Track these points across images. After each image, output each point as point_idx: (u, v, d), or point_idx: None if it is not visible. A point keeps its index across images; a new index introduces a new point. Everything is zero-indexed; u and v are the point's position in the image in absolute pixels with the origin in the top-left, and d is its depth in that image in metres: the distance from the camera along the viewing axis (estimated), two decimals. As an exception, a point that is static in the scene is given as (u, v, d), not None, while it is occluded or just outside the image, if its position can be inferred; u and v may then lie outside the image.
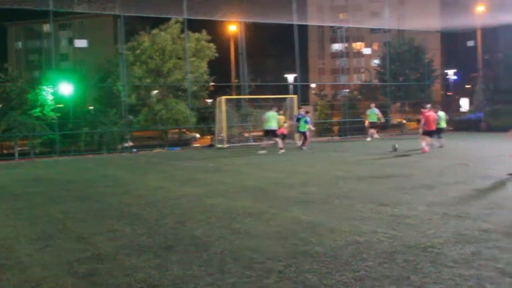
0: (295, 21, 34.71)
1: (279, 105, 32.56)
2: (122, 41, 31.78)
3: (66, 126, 35.69)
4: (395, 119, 45.52)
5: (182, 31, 38.47)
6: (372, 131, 32.25)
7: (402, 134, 39.04)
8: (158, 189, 13.57)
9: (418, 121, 23.01)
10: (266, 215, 9.46)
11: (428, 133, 22.43)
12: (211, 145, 33.37)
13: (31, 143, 37.18)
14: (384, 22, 41.21)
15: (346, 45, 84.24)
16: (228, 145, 30.87)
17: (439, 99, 53.59)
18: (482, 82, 41.62)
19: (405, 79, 46.72)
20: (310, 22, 44.37)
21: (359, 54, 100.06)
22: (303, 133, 26.83)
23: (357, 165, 18.20)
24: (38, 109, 42.95)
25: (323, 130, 39.45)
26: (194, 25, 39.08)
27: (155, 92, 43.77)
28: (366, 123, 32.86)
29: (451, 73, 46.35)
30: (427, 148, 21.74)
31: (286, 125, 30.31)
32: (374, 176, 14.63)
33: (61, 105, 38.81)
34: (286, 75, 41.30)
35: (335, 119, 44.18)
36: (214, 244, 7.49)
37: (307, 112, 29.49)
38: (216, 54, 43.24)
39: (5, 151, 42.53)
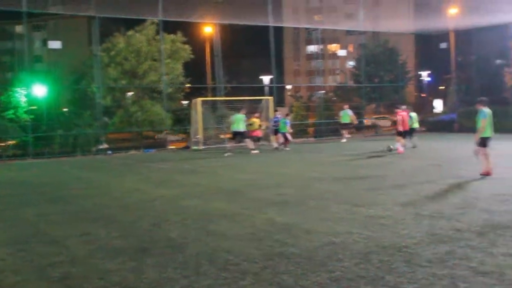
0: (271, 22, 34.76)
1: (251, 107, 32.65)
2: (96, 43, 31.51)
3: (40, 128, 35.26)
4: (368, 121, 45.79)
5: (158, 32, 38.30)
6: (344, 132, 32.42)
7: (376, 135, 39.29)
8: (133, 191, 13.49)
9: (394, 122, 23.18)
10: (242, 216, 9.47)
11: (402, 133, 22.61)
12: (186, 147, 33.24)
13: (4, 146, 36.65)
14: (359, 24, 41.45)
15: (321, 47, 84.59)
16: (204, 147, 30.78)
17: (413, 101, 54.05)
18: (455, 84, 42.09)
19: (380, 81, 47.05)
20: (285, 24, 44.62)
21: (334, 56, 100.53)
22: (284, 134, 26.89)
23: (332, 166, 18.29)
24: (11, 111, 42.36)
25: (298, 131, 39.51)
26: (169, 27, 38.93)
27: (130, 93, 43.50)
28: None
29: (424, 75, 46.85)
30: (401, 149, 21.92)
31: (263, 127, 30.48)
32: (348, 177, 14.72)
33: (35, 107, 38.36)
34: (261, 77, 41.35)
35: (310, 121, 44.30)
36: (190, 246, 7.47)
37: (287, 115, 29.65)
38: (192, 56, 43.15)
39: (-23, 154, 41.90)
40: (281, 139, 27.17)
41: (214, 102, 35.94)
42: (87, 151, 33.61)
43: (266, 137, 32.40)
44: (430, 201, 10.32)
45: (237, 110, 26.59)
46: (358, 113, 43.20)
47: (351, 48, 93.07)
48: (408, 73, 51.14)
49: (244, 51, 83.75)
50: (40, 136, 33.72)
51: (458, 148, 23.41)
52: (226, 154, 24.71)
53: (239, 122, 25.22)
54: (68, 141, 34.74)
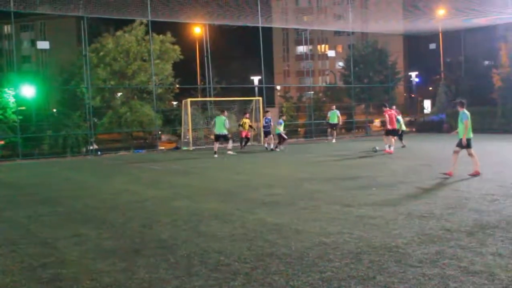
0: (260, 23, 34.78)
1: (241, 108, 32.71)
2: (85, 43, 31.37)
3: (29, 129, 35.10)
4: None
5: (147, 33, 38.23)
6: (333, 132, 32.48)
7: (366, 136, 39.42)
8: (124, 192, 13.45)
9: (383, 122, 23.30)
10: (232, 217, 9.47)
11: (390, 132, 22.66)
12: (176, 148, 33.22)
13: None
14: (348, 24, 41.59)
15: (310, 47, 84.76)
16: (194, 147, 30.78)
17: (403, 101, 54.31)
18: (444, 85, 42.29)
19: (369, 81, 47.19)
20: (274, 24, 44.46)
21: (323, 56, 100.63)
22: (279, 135, 26.87)
23: (322, 167, 18.33)
24: (-1, 112, 42.16)
25: (288, 132, 39.59)
26: (158, 27, 38.89)
27: (119, 94, 43.38)
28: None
29: (414, 76, 47.03)
30: (390, 149, 22.01)
31: (254, 127, 30.53)
32: (339, 178, 14.77)
33: (23, 108, 38.16)
34: (251, 77, 41.39)
35: (300, 121, 44.40)
36: (181, 247, 7.47)
37: (281, 116, 29.78)
38: (181, 56, 43.08)
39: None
40: (272, 140, 27.18)
41: (204, 102, 35.92)
42: (77, 152, 33.54)
43: (255, 138, 32.49)
44: (420, 201, 10.37)
45: (221, 111, 26.44)
46: (348, 114, 43.43)
47: (340, 49, 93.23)
48: (397, 74, 51.34)
49: (233, 52, 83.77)
50: (29, 137, 33.59)
51: (447, 149, 23.42)
52: (215, 156, 24.41)
53: (220, 125, 24.95)
54: (57, 142, 34.61)
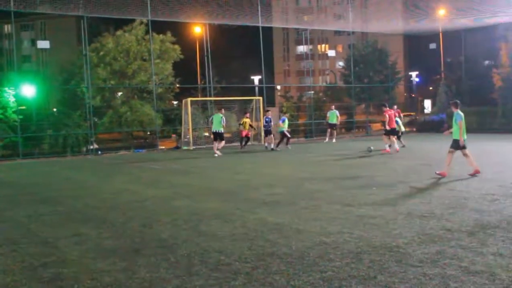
0: (260, 23, 34.79)
1: (241, 107, 32.71)
2: (85, 42, 31.39)
3: (29, 128, 35.12)
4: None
5: (147, 32, 38.25)
6: (333, 132, 32.40)
7: (367, 135, 39.41)
8: (124, 192, 13.45)
9: (383, 122, 23.31)
10: (233, 216, 9.47)
11: (390, 132, 22.68)
12: (177, 147, 33.22)
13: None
14: (348, 24, 41.60)
15: (310, 47, 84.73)
16: (194, 147, 30.78)
17: (403, 101, 54.30)
18: (444, 84, 42.31)
19: (370, 81, 47.23)
20: (274, 24, 44.48)
21: (324, 56, 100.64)
22: (283, 133, 26.87)
23: (322, 166, 18.33)
24: (-1, 111, 42.17)
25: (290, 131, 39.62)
26: (158, 27, 38.92)
27: (119, 94, 43.39)
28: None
29: (414, 75, 47.05)
30: (389, 149, 22.05)
31: (254, 127, 30.55)
32: (339, 177, 14.76)
33: (24, 107, 38.17)
34: (251, 77, 41.40)
35: (301, 121, 44.41)
36: (181, 246, 7.46)
37: (285, 113, 29.74)
38: (181, 56, 43.12)
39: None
40: (272, 140, 27.16)
41: (204, 102, 35.92)
42: (77, 151, 33.59)
43: (255, 138, 32.50)
44: (420, 201, 10.37)
45: (218, 109, 26.39)
46: (348, 113, 43.46)
47: (340, 49, 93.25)
48: (397, 74, 51.35)
49: (234, 51, 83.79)
50: (30, 137, 33.61)
51: (447, 148, 23.49)
52: (215, 155, 24.35)
53: (217, 122, 24.86)
54: (57, 141, 34.65)
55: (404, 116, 33.04)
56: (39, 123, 36.97)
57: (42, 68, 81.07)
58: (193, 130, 31.49)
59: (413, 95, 58.00)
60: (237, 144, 31.83)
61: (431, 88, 54.39)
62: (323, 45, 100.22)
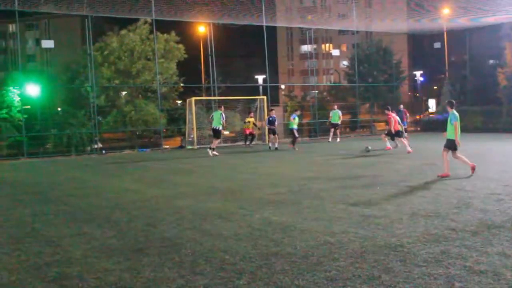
0: (264, 22, 34.77)
1: (245, 106, 32.71)
2: (90, 42, 31.42)
3: (34, 127, 35.15)
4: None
5: (151, 32, 38.28)
6: (336, 131, 32.31)
7: (371, 135, 39.36)
8: (128, 191, 13.46)
9: (386, 122, 23.26)
10: (237, 216, 9.46)
11: (396, 134, 22.69)
12: (181, 146, 33.24)
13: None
14: (353, 23, 41.53)
15: (315, 46, 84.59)
16: (198, 146, 30.79)
17: (407, 100, 54.17)
18: (449, 84, 42.22)
19: (374, 81, 47.17)
20: (279, 24, 44.43)
21: (328, 55, 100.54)
22: (291, 131, 26.82)
23: (327, 166, 18.31)
24: (4, 111, 42.15)
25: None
26: (162, 26, 38.92)
27: (124, 93, 43.43)
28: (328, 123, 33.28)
29: (418, 75, 46.94)
30: (390, 146, 22.09)
31: (258, 126, 30.57)
32: (343, 177, 14.75)
33: (28, 107, 38.20)
34: (256, 76, 41.37)
35: (304, 120, 44.36)
36: (185, 245, 7.46)
37: (296, 110, 29.73)
38: (185, 55, 43.12)
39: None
40: (276, 140, 27.17)
41: (209, 101, 35.95)
42: (82, 150, 33.58)
43: (259, 137, 32.49)
44: (425, 200, 10.35)
45: (218, 106, 26.31)
46: (353, 113, 43.40)
47: (344, 48, 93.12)
48: (402, 73, 51.26)
49: (238, 51, 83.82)
50: (34, 136, 33.64)
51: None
52: (213, 154, 24.10)
53: (217, 119, 24.68)
54: (62, 140, 34.65)
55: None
56: (43, 122, 36.98)
57: (46, 67, 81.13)
58: (197, 129, 31.48)
59: (417, 95, 57.85)
60: (241, 143, 31.84)
61: (435, 87, 54.29)
62: (327, 45, 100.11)
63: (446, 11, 37.81)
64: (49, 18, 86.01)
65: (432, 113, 48.22)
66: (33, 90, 36.77)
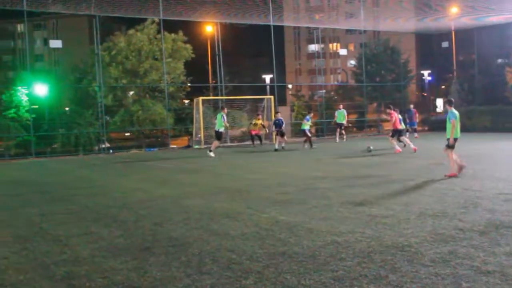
0: (272, 22, 34.76)
1: (253, 106, 32.75)
2: (97, 42, 31.51)
3: (42, 127, 35.31)
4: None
5: (159, 31, 38.35)
6: (342, 131, 32.22)
7: (379, 134, 39.28)
8: (135, 191, 13.49)
9: (387, 121, 23.13)
10: (244, 215, 9.47)
11: (397, 132, 22.62)
12: (188, 146, 33.27)
13: (6, 145, 36.67)
14: (360, 23, 41.44)
15: (322, 46, 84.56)
16: (205, 146, 30.80)
17: (415, 100, 54.07)
18: (457, 83, 42.09)
19: (381, 80, 47.07)
20: (286, 23, 44.43)
21: (335, 54, 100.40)
22: (304, 131, 26.96)
23: (334, 166, 18.29)
24: (12, 110, 42.45)
25: (300, 130, 39.55)
26: (170, 26, 38.99)
27: (131, 93, 43.52)
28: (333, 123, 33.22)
29: (426, 74, 46.83)
30: (400, 148, 21.97)
31: (266, 127, 30.64)
32: (351, 176, 14.73)
33: (36, 106, 38.38)
34: (263, 76, 41.38)
35: (312, 120, 44.28)
36: (192, 245, 7.47)
37: (309, 112, 29.77)
38: (193, 55, 43.16)
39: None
40: (284, 140, 27.19)
41: (216, 101, 35.97)
42: (89, 150, 33.69)
43: (267, 136, 32.49)
44: (432, 200, 10.32)
45: (222, 108, 26.30)
46: (360, 112, 43.33)
47: (351, 47, 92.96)
48: (409, 72, 51.13)
49: (245, 50, 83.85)
50: (42, 135, 33.77)
51: (459, 147, 23.38)
52: (211, 155, 23.97)
53: (220, 121, 24.62)
54: (70, 140, 34.77)
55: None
56: (51, 122, 37.13)
57: (54, 67, 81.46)
58: (205, 129, 31.51)
59: (424, 94, 57.71)
60: (248, 142, 31.84)
61: (443, 86, 54.13)
62: (334, 44, 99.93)
63: (454, 10, 37.67)
64: (57, 18, 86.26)
65: (440, 112, 48.03)
66: (41, 89, 36.95)
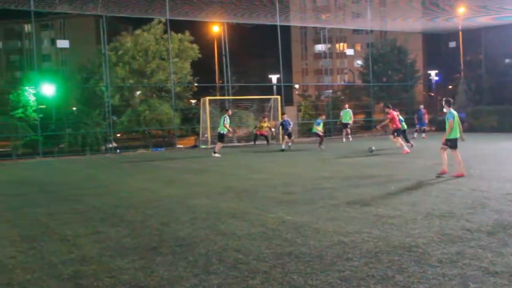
0: (278, 22, 34.76)
1: (259, 106, 32.76)
2: (104, 42, 31.58)
3: (49, 127, 35.40)
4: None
5: (165, 31, 38.39)
6: (347, 131, 32.16)
7: (385, 134, 39.18)
8: (142, 190, 13.52)
9: (390, 120, 23.00)
10: (251, 215, 9.47)
11: (397, 132, 22.54)
12: (195, 146, 33.30)
13: (14, 144, 36.80)
14: (367, 23, 41.37)
15: (329, 46, 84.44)
16: (212, 146, 30.81)
17: (422, 100, 53.92)
18: (464, 83, 41.94)
19: (388, 80, 46.98)
20: (293, 23, 44.39)
21: (342, 55, 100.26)
22: (315, 134, 26.91)
23: (340, 166, 18.26)
24: (20, 110, 42.60)
25: (306, 130, 39.50)
26: (177, 26, 39.01)
27: (138, 93, 43.58)
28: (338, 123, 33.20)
29: (433, 74, 46.72)
30: (408, 149, 21.88)
31: (272, 128, 30.66)
32: (358, 176, 14.70)
33: (44, 106, 38.48)
34: (270, 76, 41.36)
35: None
36: (199, 245, 7.48)
37: (320, 115, 29.76)
38: (200, 55, 43.17)
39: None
40: (292, 141, 27.18)
41: (222, 101, 35.98)
42: (96, 150, 33.76)
43: (273, 137, 32.45)
44: (439, 200, 10.29)
45: (225, 110, 26.38)
46: (367, 112, 43.25)
47: (358, 47, 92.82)
48: (416, 72, 51.01)
49: (252, 50, 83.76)
50: (49, 135, 33.86)
51: (466, 147, 23.31)
52: (216, 156, 23.89)
53: (221, 123, 24.68)
54: (77, 140, 34.86)
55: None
56: (58, 121, 37.22)
57: (61, 67, 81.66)
58: (211, 129, 31.53)
59: (431, 94, 57.58)
60: (260, 142, 31.74)
61: (450, 86, 53.99)
62: (341, 44, 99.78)
63: (461, 10, 37.54)
64: (64, 18, 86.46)
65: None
66: (48, 89, 37.04)
